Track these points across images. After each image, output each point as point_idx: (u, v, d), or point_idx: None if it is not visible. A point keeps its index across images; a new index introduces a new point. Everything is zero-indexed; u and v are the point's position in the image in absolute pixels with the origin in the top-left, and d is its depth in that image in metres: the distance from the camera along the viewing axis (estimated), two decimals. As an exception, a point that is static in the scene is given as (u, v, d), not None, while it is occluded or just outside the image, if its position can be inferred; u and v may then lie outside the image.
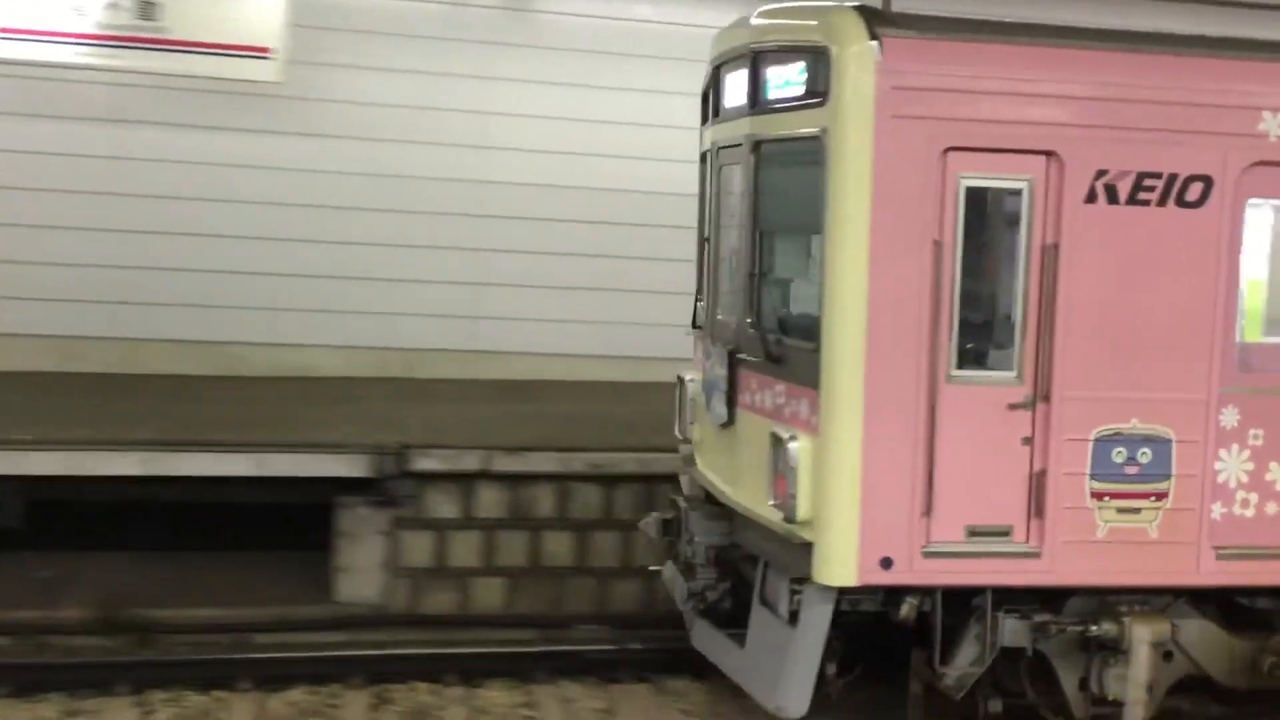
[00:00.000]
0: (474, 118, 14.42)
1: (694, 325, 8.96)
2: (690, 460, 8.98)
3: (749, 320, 7.53)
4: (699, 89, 8.61)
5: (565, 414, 12.17)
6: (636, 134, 14.49)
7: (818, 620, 6.97)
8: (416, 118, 14.23)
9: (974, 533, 6.87)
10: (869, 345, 6.57)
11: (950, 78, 6.55)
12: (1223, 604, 7.53)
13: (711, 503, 8.19)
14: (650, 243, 14.32)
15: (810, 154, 6.75)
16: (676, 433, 9.28)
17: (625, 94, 14.67)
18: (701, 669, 8.65)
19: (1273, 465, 7.17)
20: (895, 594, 6.99)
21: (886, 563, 6.75)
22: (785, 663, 7.08)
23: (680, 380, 9.15)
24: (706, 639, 8.13)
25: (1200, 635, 7.45)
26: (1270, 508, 7.20)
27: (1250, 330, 7.14)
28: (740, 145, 7.63)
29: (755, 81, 7.42)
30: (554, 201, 14.56)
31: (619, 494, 10.29)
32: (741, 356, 7.54)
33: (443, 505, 10.04)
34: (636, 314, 14.47)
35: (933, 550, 6.80)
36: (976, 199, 6.67)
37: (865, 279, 6.53)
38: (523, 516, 10.18)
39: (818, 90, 6.67)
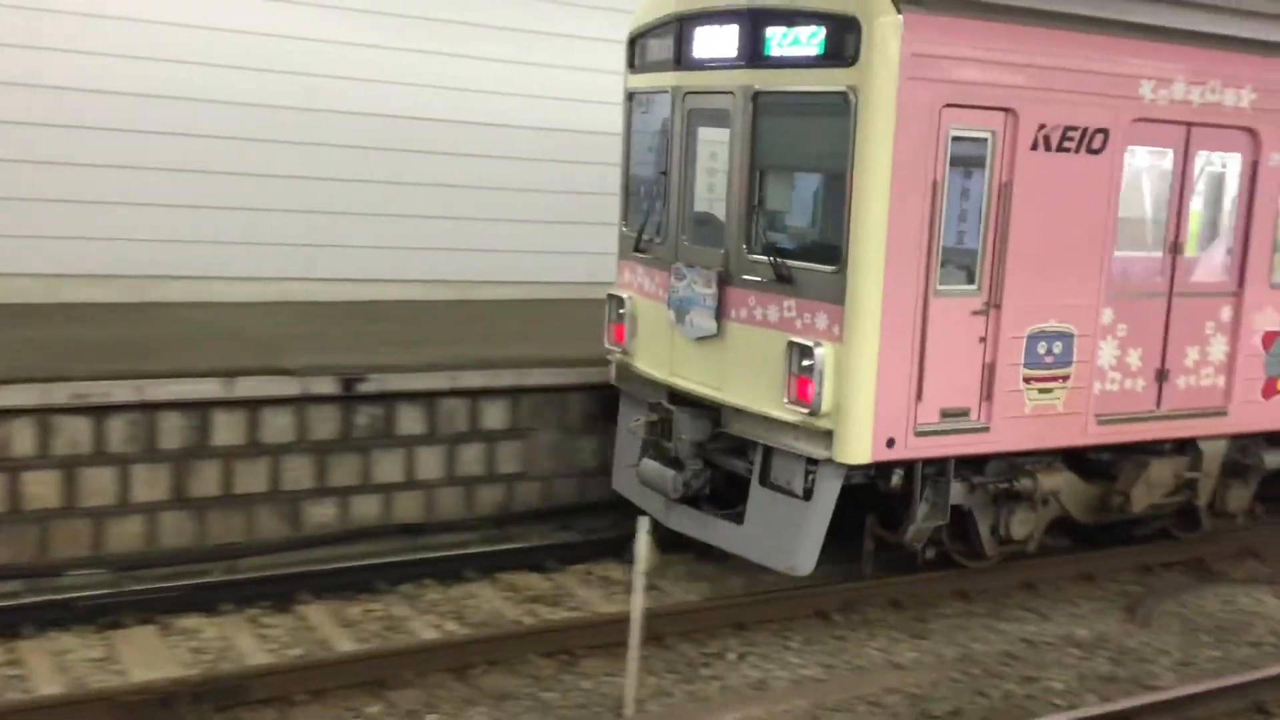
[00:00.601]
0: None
1: (636, 250, 10.03)
2: (626, 369, 10.13)
3: (746, 246, 8.77)
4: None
5: (36, 340, 10.61)
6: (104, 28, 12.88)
7: (829, 493, 8.48)
8: None
9: (945, 414, 8.58)
10: (886, 267, 8.04)
11: (948, 46, 8.04)
12: (1074, 460, 9.75)
13: (683, 403, 9.40)
14: (112, 151, 12.92)
15: (830, 106, 8.05)
16: (607, 345, 10.38)
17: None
18: (213, 604, 8.79)
19: (1130, 351, 9.40)
20: (883, 468, 8.60)
21: (890, 443, 8.33)
22: (799, 530, 8.54)
23: (616, 299, 10.22)
24: (692, 521, 9.40)
25: (1067, 485, 9.63)
26: (1127, 384, 9.44)
27: (1121, 247, 9.26)
28: (730, 94, 8.77)
29: (754, 39, 8.57)
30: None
31: (112, 425, 9.39)
32: (745, 278, 8.76)
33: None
34: (120, 229, 13.04)
35: (920, 430, 8.45)
36: (959, 146, 8.25)
37: (886, 212, 7.97)
38: (-6, 458, 9.07)
39: (843, 53, 7.95)
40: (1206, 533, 10.73)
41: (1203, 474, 10.12)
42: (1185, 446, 10.01)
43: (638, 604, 6.95)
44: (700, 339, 9.19)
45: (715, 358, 9.11)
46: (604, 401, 10.90)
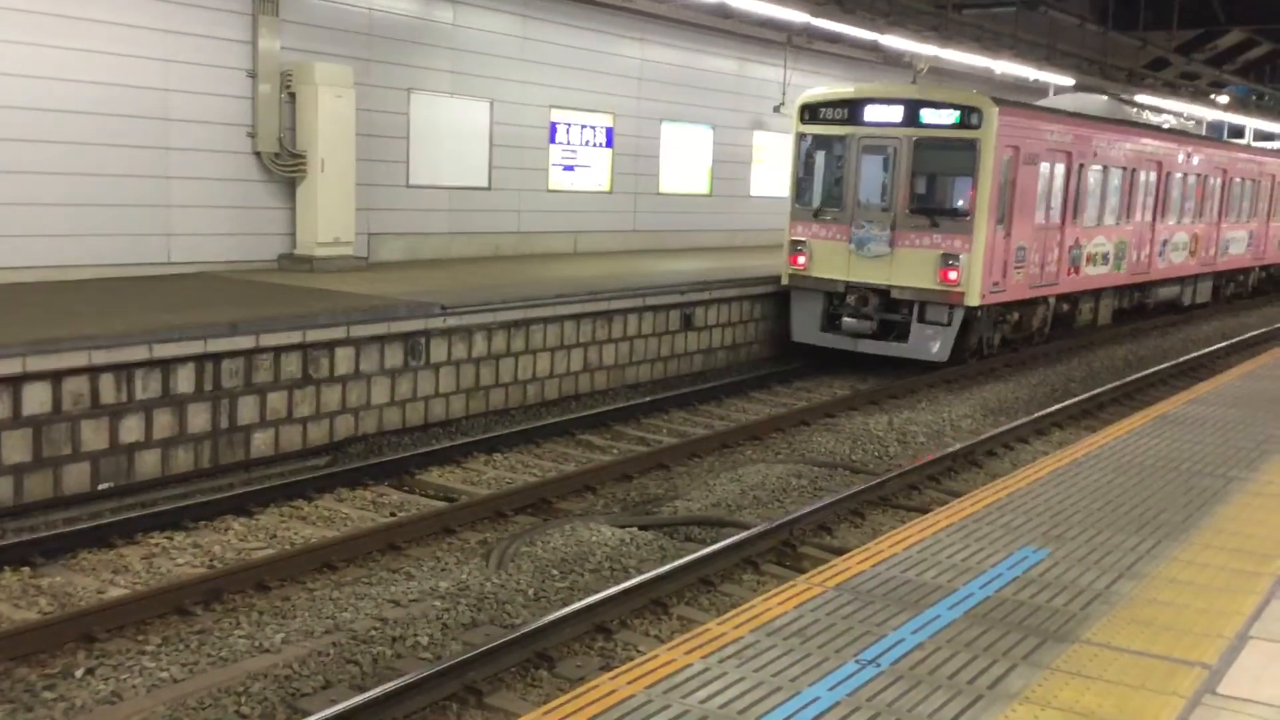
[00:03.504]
0: None
1: (815, 216, 19.49)
2: (801, 277, 19.59)
3: (908, 210, 18.63)
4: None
5: None
6: None
7: (959, 320, 18.65)
8: None
9: (994, 284, 19.02)
10: (988, 219, 18.30)
11: (1008, 121, 18.39)
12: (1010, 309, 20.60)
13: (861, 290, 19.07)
14: None
15: (965, 146, 18.15)
16: (785, 267, 19.78)
17: None
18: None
19: (1035, 254, 20.33)
20: (975, 310, 18.82)
21: (983, 296, 18.64)
22: (945, 339, 18.65)
23: (796, 241, 19.62)
24: (875, 346, 19.12)
25: (1010, 315, 20.45)
26: (1035, 270, 20.38)
27: (1039, 206, 20.16)
28: (898, 140, 18.56)
29: (913, 113, 18.42)
30: None
31: None
32: (908, 225, 18.61)
33: None
34: None
35: (990, 291, 18.83)
36: (1007, 162, 18.66)
37: (989, 193, 18.23)
38: None
39: (971, 123, 18.05)
40: (1032, 345, 22.02)
41: (1050, 313, 21.42)
42: (1045, 300, 21.20)
43: None
44: (875, 257, 18.94)
45: (885, 265, 18.92)
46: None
